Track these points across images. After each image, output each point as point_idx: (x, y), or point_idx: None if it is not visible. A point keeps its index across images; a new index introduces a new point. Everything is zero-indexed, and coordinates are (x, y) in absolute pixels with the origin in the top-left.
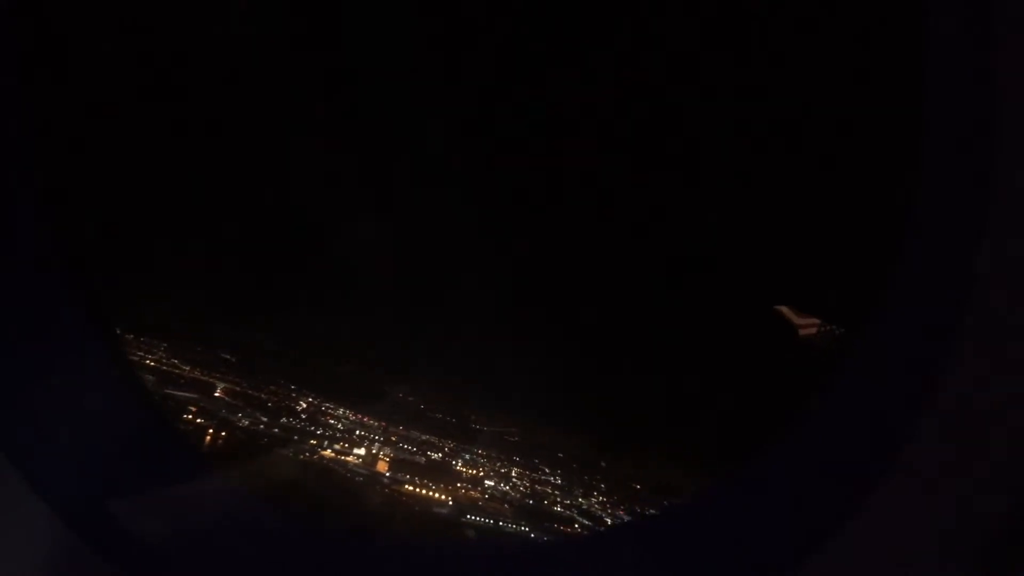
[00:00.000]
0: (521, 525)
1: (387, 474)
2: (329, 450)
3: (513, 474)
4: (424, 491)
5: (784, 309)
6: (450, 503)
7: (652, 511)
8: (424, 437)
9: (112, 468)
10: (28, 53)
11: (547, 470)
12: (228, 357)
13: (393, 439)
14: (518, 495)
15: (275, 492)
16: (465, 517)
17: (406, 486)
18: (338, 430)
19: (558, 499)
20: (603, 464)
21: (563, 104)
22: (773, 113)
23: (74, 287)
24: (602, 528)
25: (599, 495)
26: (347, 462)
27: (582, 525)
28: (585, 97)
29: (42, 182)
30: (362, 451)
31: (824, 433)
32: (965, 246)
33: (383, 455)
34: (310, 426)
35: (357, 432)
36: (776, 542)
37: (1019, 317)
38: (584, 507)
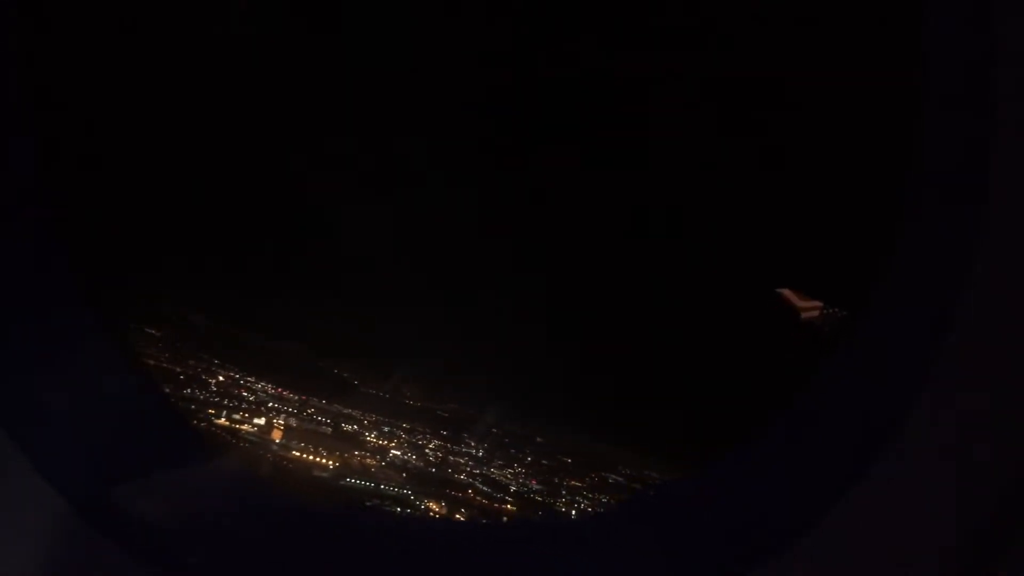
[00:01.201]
0: (405, 489)
1: (278, 441)
2: (224, 419)
3: (431, 446)
4: (311, 457)
5: (786, 292)
6: (331, 468)
7: (575, 483)
8: (346, 411)
9: (117, 452)
10: (30, 53)
11: (472, 443)
12: (153, 332)
13: (309, 411)
14: (423, 464)
15: None
16: (344, 481)
17: (293, 452)
18: (248, 402)
19: (468, 469)
20: (539, 440)
21: (561, 92)
22: (779, 104)
23: (78, 274)
24: (500, 495)
25: (519, 466)
26: (240, 430)
27: (480, 492)
28: (588, 86)
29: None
30: (262, 421)
31: (817, 420)
32: (964, 237)
33: (283, 425)
34: (215, 397)
35: (269, 404)
36: (761, 526)
37: (1018, 308)
38: (492, 477)
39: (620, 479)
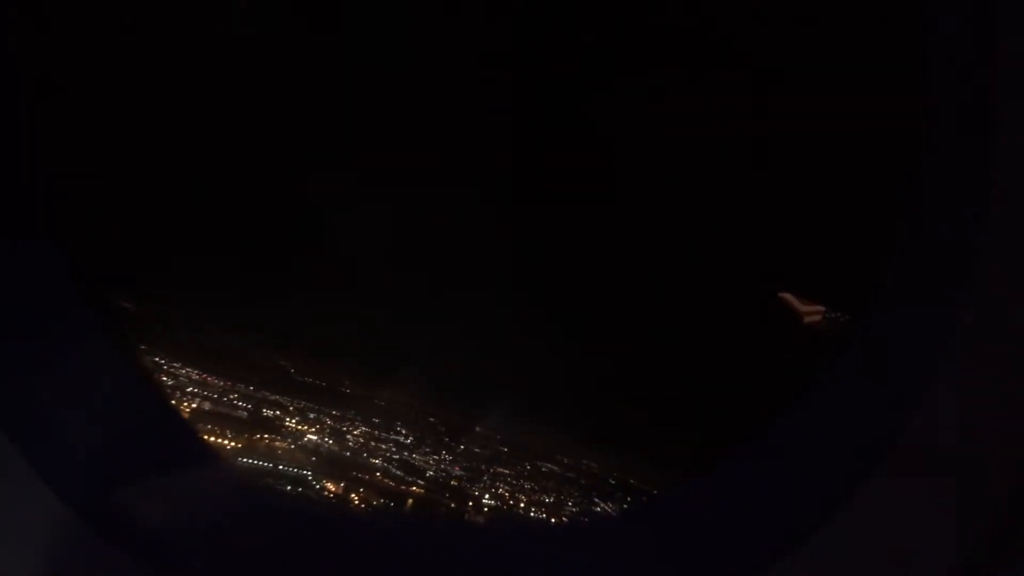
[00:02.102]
0: (305, 470)
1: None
2: None
3: (356, 432)
4: (212, 438)
5: (787, 296)
6: (230, 448)
7: (501, 470)
8: (273, 397)
9: (118, 454)
10: (29, 52)
11: (404, 431)
12: None
13: (231, 397)
14: (338, 448)
15: None
16: (239, 460)
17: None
18: (166, 386)
19: (387, 454)
20: (478, 429)
21: (561, 93)
22: (777, 103)
23: (79, 274)
24: (411, 478)
25: (447, 454)
26: None
27: (389, 475)
28: (584, 86)
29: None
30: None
31: (817, 422)
32: (966, 236)
33: (194, 408)
34: None
35: (188, 389)
36: (762, 530)
37: (1020, 308)
38: (411, 462)
39: (554, 468)
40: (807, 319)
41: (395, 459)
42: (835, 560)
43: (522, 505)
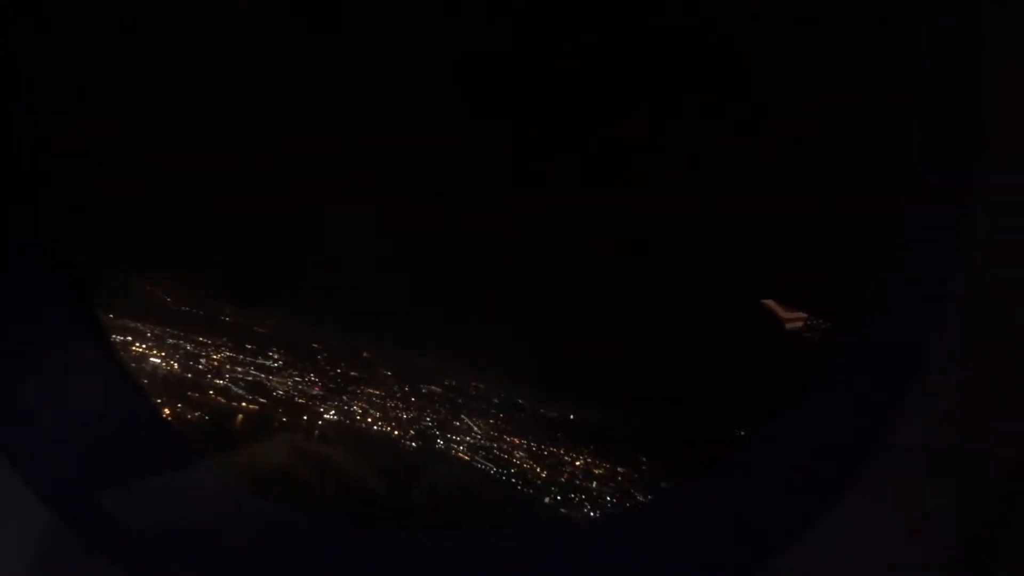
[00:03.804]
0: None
1: None
2: None
3: (213, 356)
4: None
5: (770, 303)
6: None
7: (369, 390)
8: (132, 325)
9: (103, 459)
10: (26, 49)
11: (275, 356)
12: None
13: None
14: (180, 369)
15: None
16: None
17: None
18: None
19: (239, 375)
20: (365, 355)
21: (547, 92)
22: (761, 108)
23: (62, 277)
24: (251, 396)
25: (315, 376)
26: None
27: (228, 394)
28: (582, 92)
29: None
30: None
31: (807, 424)
32: (953, 240)
33: None
34: None
35: None
36: (753, 532)
37: (1007, 313)
38: (262, 381)
39: (437, 389)
40: (789, 326)
41: (245, 380)
42: (831, 561)
43: (368, 422)
